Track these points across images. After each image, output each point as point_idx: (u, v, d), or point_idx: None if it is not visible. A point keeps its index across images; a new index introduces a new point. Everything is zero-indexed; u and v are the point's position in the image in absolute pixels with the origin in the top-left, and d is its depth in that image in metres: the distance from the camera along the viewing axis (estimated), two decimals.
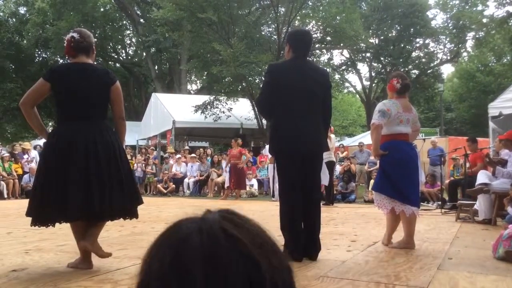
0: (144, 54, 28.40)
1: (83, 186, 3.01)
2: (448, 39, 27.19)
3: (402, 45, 26.01)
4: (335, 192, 10.79)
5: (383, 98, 18.50)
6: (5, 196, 12.29)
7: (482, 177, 6.39)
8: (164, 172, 14.90)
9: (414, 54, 27.07)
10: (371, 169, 11.64)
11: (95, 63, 3.53)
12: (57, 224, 3.17)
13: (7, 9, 28.76)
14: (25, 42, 27.83)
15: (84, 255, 3.17)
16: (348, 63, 28.64)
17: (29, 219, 3.16)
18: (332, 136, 10.44)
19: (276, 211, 3.64)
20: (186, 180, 14.53)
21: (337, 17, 17.40)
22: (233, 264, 0.57)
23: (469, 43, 27.74)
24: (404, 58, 25.95)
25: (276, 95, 3.60)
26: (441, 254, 3.82)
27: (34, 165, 12.65)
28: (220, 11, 16.30)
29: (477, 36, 25.21)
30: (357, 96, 33.29)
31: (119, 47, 32.48)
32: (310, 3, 18.58)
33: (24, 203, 3.24)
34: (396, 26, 26.14)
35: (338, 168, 12.19)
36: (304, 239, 3.53)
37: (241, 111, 17.82)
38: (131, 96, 31.72)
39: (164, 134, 18.25)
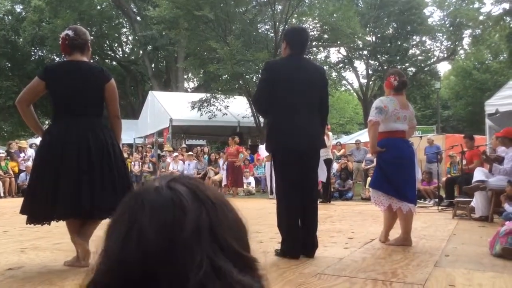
0: (141, 52, 28.31)
1: (73, 184, 3.00)
2: (445, 36, 27.25)
3: (399, 43, 26.04)
4: (332, 189, 10.80)
5: (380, 95, 18.51)
6: (2, 194, 12.24)
7: (479, 174, 6.40)
8: (161, 170, 14.87)
9: (411, 51, 27.12)
10: (368, 166, 11.65)
11: (92, 61, 3.51)
12: (53, 222, 3.16)
13: (3, 7, 28.63)
14: (21, 40, 27.69)
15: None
16: (345, 60, 28.66)
17: (26, 217, 3.15)
18: (330, 134, 10.43)
19: (273, 209, 3.64)
20: None
21: (334, 15, 17.38)
22: (172, 211, 0.67)
23: (466, 41, 27.83)
24: (401, 55, 26.00)
25: (273, 93, 3.59)
26: (438, 251, 3.82)
27: (30, 164, 12.59)
28: (217, 8, 16.26)
29: (474, 33, 25.25)
30: (354, 94, 33.31)
31: (116, 45, 32.35)
32: (307, 1, 18.56)
33: (20, 201, 3.23)
34: (393, 23, 26.18)
35: (335, 166, 12.19)
36: (301, 237, 3.53)
37: (238, 109, 17.80)
38: (128, 94, 31.61)
39: (161, 132, 18.22)
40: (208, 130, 19.96)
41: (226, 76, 17.10)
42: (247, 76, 17.11)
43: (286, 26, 15.63)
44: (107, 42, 30.85)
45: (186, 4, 16.22)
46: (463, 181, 7.42)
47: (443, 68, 54.30)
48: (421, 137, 11.93)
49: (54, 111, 3.26)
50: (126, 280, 0.64)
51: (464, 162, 8.23)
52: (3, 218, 6.81)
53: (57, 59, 26.08)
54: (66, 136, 3.09)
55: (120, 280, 0.65)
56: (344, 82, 30.62)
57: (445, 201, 8.71)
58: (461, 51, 29.61)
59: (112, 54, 32.31)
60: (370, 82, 28.30)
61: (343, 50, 27.42)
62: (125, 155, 13.93)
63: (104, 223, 3.15)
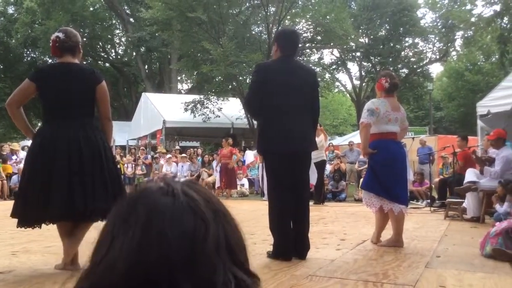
0: (134, 53, 28.25)
1: (65, 186, 2.99)
2: (437, 38, 27.37)
3: (391, 44, 26.14)
4: (325, 191, 10.81)
5: (373, 97, 18.57)
6: None
7: (470, 175, 6.44)
8: (154, 172, 14.83)
9: (403, 53, 27.22)
10: (361, 168, 11.68)
11: (84, 62, 3.50)
12: (44, 226, 3.14)
13: None
14: (13, 41, 27.54)
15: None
16: (338, 62, 28.72)
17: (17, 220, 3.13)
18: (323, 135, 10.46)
19: (266, 210, 3.64)
20: None
21: (327, 17, 17.42)
22: (183, 217, 0.65)
23: (458, 42, 27.96)
24: (393, 57, 26.10)
25: (264, 94, 3.59)
26: (429, 252, 3.85)
27: (22, 166, 12.51)
28: (210, 10, 16.25)
29: (466, 35, 25.38)
30: (348, 95, 33.40)
31: (109, 46, 32.26)
32: (300, 3, 18.60)
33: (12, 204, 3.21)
34: (386, 25, 26.27)
35: (328, 167, 12.22)
36: (293, 238, 3.53)
37: (231, 110, 17.80)
38: (121, 96, 31.53)
39: (154, 134, 18.17)
40: (201, 132, 19.94)
41: (220, 77, 17.09)
42: (240, 78, 17.11)
43: (280, 28, 15.65)
44: (100, 43, 30.76)
45: (179, 6, 16.20)
46: (455, 182, 7.45)
47: (436, 69, 54.62)
48: (413, 138, 11.98)
49: (44, 113, 3.25)
50: (138, 284, 0.62)
51: (455, 161, 8.26)
52: None
53: (50, 60, 25.93)
54: (57, 138, 3.07)
55: (130, 282, 0.62)
56: (337, 83, 30.75)
57: (437, 202, 8.74)
58: (453, 53, 29.77)
59: (105, 56, 32.22)
60: (363, 84, 28.39)
61: (336, 52, 27.50)
62: (118, 157, 13.92)
63: (95, 226, 3.15)
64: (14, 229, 3.64)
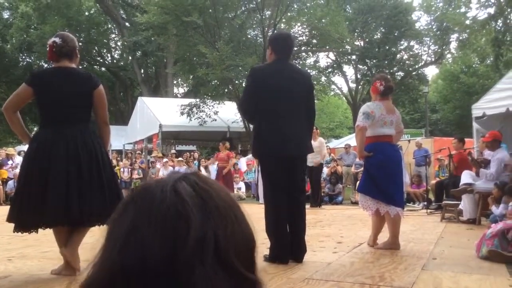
0: (130, 58, 28.23)
1: (62, 190, 2.98)
2: (432, 41, 27.48)
3: (387, 47, 26.22)
4: (322, 194, 10.82)
5: (369, 99, 18.62)
6: None
7: (466, 177, 6.46)
8: (151, 176, 14.80)
9: (398, 56, 27.31)
10: (358, 170, 11.68)
11: (80, 67, 3.50)
12: (41, 231, 3.13)
13: None
14: (8, 46, 27.48)
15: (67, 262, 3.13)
16: (334, 65, 28.77)
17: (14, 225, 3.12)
18: (322, 139, 10.49)
19: (263, 214, 3.64)
20: None
21: (322, 20, 17.48)
22: (168, 218, 0.63)
23: (453, 45, 28.07)
24: (389, 60, 26.17)
25: (259, 98, 3.60)
26: (426, 255, 3.86)
27: (18, 171, 12.45)
28: (206, 14, 16.28)
29: (461, 37, 25.49)
30: (344, 98, 33.44)
31: (105, 51, 32.22)
32: (296, 6, 18.66)
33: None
34: (381, 28, 26.35)
35: (325, 170, 12.23)
36: (289, 242, 3.54)
37: (228, 114, 17.81)
38: (117, 100, 31.46)
39: (150, 138, 18.15)
40: (198, 136, 19.93)
41: (216, 81, 17.10)
42: (236, 81, 17.13)
43: (275, 31, 15.69)
44: (96, 48, 30.70)
45: (174, 10, 16.23)
46: (451, 184, 7.47)
47: (431, 72, 54.70)
48: (409, 140, 12.02)
49: (41, 117, 3.24)
50: (118, 283, 0.62)
51: (451, 163, 8.28)
52: None
53: (46, 65, 25.89)
54: (54, 143, 3.07)
55: (111, 281, 0.62)
56: (333, 86, 30.80)
57: (433, 204, 8.76)
58: (449, 55, 29.87)
59: (101, 60, 32.17)
60: (359, 87, 28.44)
61: (332, 55, 27.56)
62: (114, 161, 13.90)
63: (93, 231, 3.14)
64: (10, 234, 3.63)
